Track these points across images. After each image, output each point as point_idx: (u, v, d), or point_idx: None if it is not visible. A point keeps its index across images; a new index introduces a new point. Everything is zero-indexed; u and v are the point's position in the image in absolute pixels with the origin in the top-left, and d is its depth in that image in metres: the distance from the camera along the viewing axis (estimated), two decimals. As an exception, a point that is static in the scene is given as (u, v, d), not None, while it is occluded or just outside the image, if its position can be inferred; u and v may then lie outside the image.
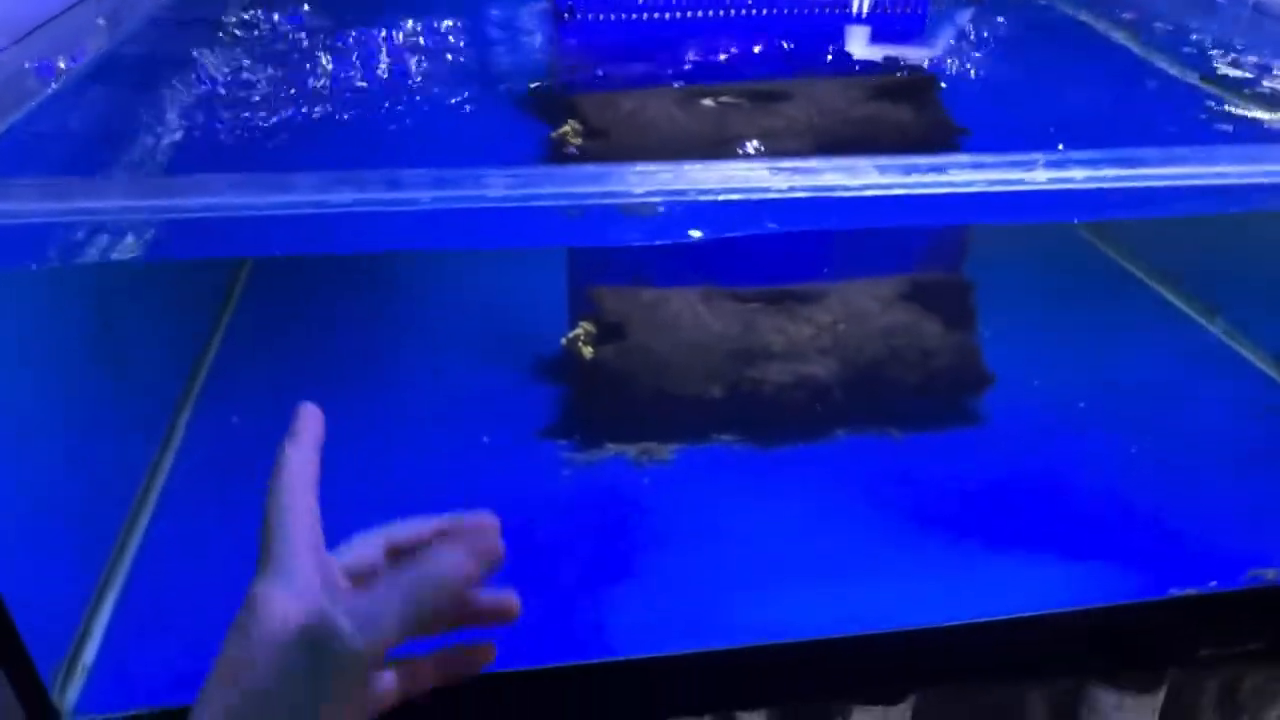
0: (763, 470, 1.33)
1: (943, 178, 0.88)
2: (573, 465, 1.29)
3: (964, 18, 1.91)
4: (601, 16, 1.72)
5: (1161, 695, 1.19)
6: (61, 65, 1.21)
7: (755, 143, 1.39)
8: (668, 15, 1.74)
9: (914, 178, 0.87)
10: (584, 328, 1.33)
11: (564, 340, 1.35)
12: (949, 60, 1.70)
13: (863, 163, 0.88)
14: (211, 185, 0.84)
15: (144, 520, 1.19)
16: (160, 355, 1.41)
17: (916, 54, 1.72)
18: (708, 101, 1.47)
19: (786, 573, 1.17)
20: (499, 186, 0.91)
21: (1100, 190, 0.89)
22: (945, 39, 1.81)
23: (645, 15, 1.72)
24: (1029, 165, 0.89)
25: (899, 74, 1.58)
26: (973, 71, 1.65)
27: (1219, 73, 1.50)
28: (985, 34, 1.89)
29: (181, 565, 1.12)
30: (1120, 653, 1.19)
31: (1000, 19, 1.94)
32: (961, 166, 0.89)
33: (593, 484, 1.27)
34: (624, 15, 1.73)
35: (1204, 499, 1.29)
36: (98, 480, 1.16)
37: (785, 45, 1.70)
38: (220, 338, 1.56)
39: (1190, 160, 0.95)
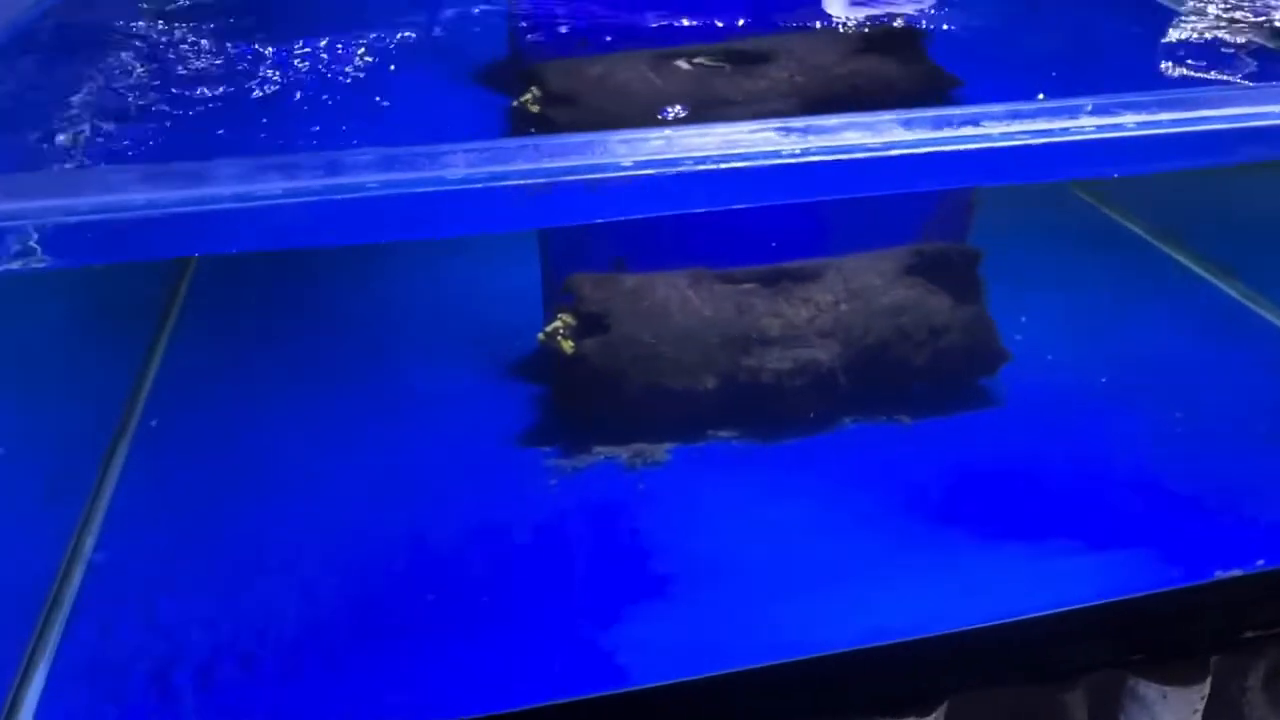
0: (766, 467, 1.21)
1: (977, 130, 0.75)
2: (559, 473, 1.16)
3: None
4: None
5: (1208, 683, 1.11)
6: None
7: (740, 106, 1.26)
8: None
9: (945, 131, 0.75)
10: (562, 320, 1.20)
11: (541, 335, 1.21)
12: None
13: (885, 118, 0.75)
14: (111, 180, 0.70)
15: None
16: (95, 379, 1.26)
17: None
18: (682, 64, 1.34)
19: (799, 581, 1.07)
20: (458, 165, 0.78)
21: (1159, 137, 0.77)
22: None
23: None
24: (1073, 113, 0.77)
25: (880, 25, 1.46)
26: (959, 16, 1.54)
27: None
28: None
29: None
30: (1161, 643, 1.11)
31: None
32: (995, 118, 0.77)
33: (582, 493, 1.14)
34: None
35: (1238, 475, 1.22)
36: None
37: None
38: (163, 352, 1.41)
39: (1245, 100, 0.84)
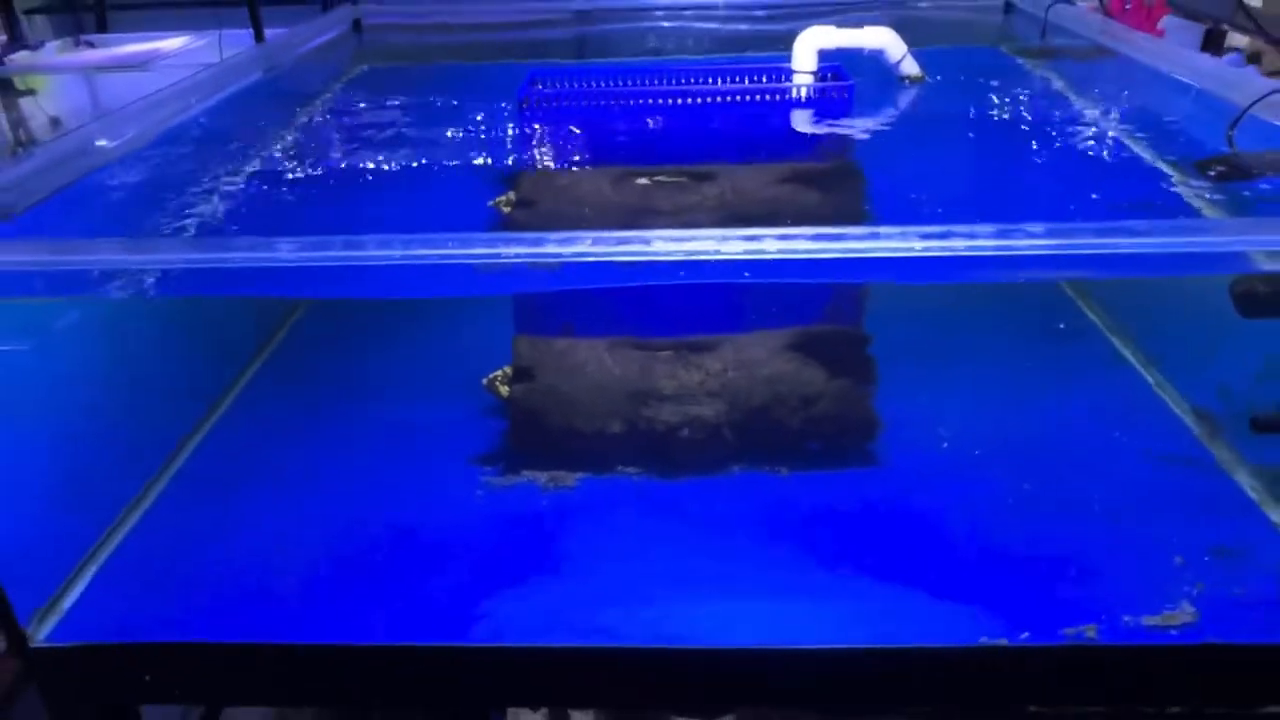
0: (655, 497, 1.52)
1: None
2: (489, 488, 1.54)
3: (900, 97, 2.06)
4: (555, 104, 2.02)
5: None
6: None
7: (668, 216, 1.61)
8: (615, 103, 2.01)
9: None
10: (502, 371, 1.59)
11: (484, 381, 1.61)
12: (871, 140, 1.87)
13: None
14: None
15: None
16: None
17: (845, 134, 1.90)
18: (641, 180, 1.70)
19: (654, 585, 1.35)
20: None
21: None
22: (872, 120, 1.97)
23: (589, 103, 2.00)
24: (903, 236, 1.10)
25: (824, 162, 1.76)
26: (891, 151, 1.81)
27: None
28: (915, 109, 2.04)
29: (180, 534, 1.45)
30: (939, 695, 1.27)
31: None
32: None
33: (503, 504, 1.51)
34: (572, 103, 2.02)
35: (1072, 545, 1.36)
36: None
37: (730, 129, 1.93)
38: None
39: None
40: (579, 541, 1.41)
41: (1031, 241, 1.10)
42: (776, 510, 1.46)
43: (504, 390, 1.57)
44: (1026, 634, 1.22)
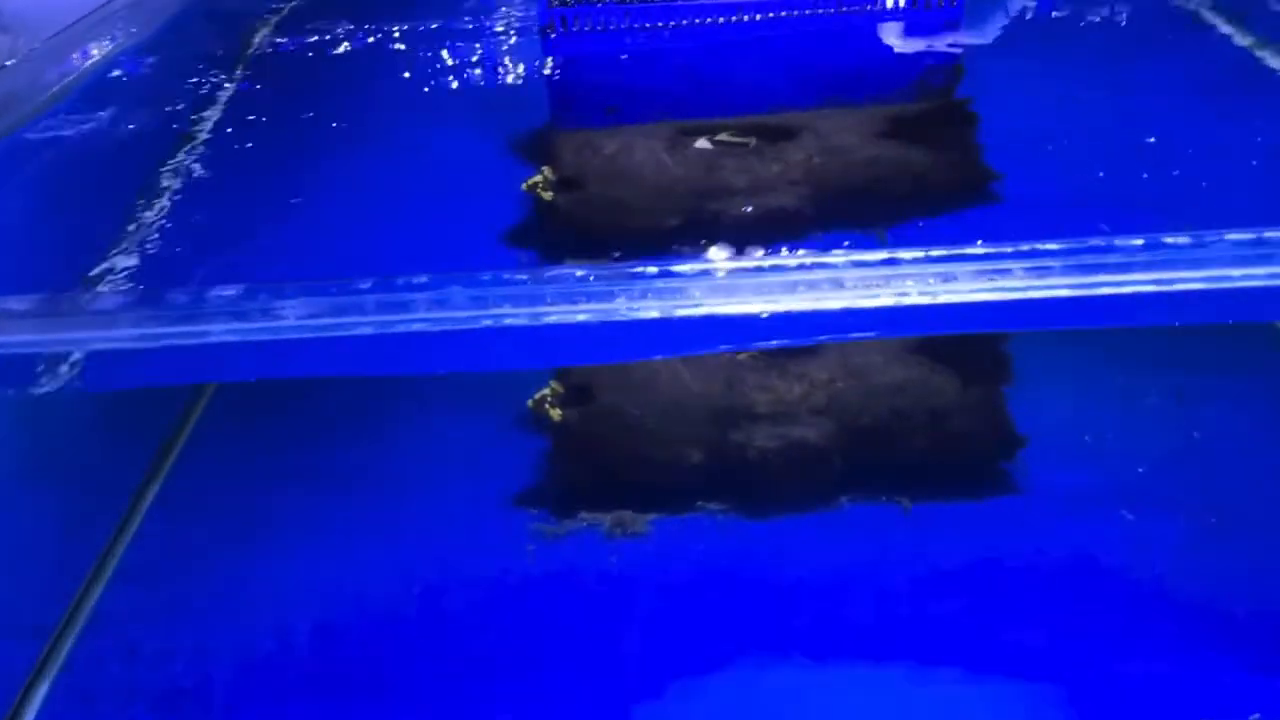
0: (750, 542, 1.27)
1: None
2: (541, 538, 1.28)
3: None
4: (587, 27, 1.62)
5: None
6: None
7: (743, 197, 1.28)
8: (661, 25, 1.62)
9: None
10: (551, 388, 1.30)
11: (529, 403, 1.32)
12: (985, 65, 1.49)
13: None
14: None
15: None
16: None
17: (949, 56, 1.52)
18: (701, 143, 1.36)
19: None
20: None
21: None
22: (986, 33, 1.58)
23: (635, 25, 1.60)
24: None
25: (922, 99, 1.40)
26: (1013, 79, 1.44)
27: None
28: (1036, 19, 1.64)
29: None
30: None
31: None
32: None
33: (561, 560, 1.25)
34: (610, 26, 1.62)
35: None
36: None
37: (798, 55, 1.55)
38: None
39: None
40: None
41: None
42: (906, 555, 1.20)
43: (555, 414, 1.29)
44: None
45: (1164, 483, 1.27)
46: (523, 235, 1.20)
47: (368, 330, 0.87)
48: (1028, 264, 0.81)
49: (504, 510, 1.29)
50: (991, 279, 0.81)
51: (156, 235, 1.18)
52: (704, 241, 1.14)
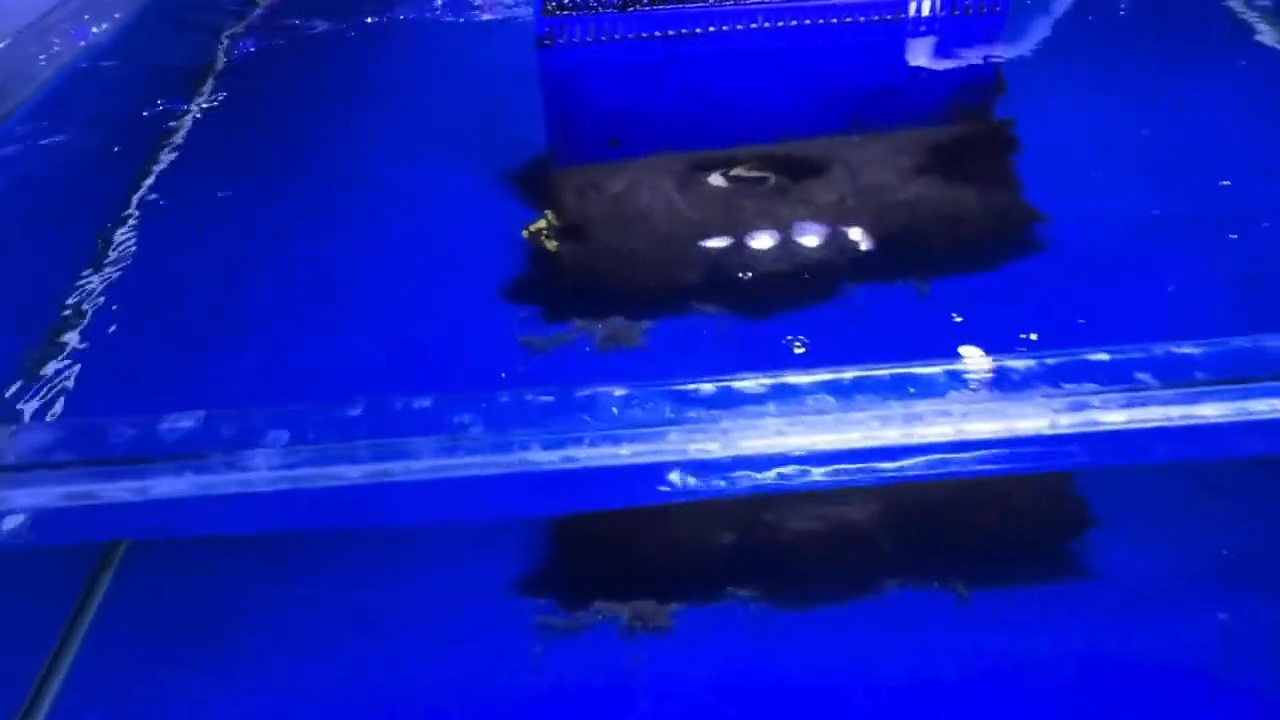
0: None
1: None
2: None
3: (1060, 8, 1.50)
4: (589, 37, 1.43)
5: None
6: None
7: (769, 239, 1.12)
8: (666, 35, 1.43)
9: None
10: (547, 218, 1.15)
11: (525, 233, 1.17)
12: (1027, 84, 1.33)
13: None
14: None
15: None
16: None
17: (987, 69, 1.36)
18: (715, 179, 1.20)
19: None
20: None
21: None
22: (1027, 41, 1.42)
23: (636, 35, 1.41)
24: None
25: (959, 122, 1.24)
26: (1056, 95, 1.29)
27: None
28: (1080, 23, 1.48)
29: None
30: None
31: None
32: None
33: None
34: (608, 36, 1.43)
35: None
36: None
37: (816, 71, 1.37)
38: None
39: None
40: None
41: None
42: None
43: (551, 245, 1.13)
44: None
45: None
46: (524, 290, 1.05)
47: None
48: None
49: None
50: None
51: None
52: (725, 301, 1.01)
